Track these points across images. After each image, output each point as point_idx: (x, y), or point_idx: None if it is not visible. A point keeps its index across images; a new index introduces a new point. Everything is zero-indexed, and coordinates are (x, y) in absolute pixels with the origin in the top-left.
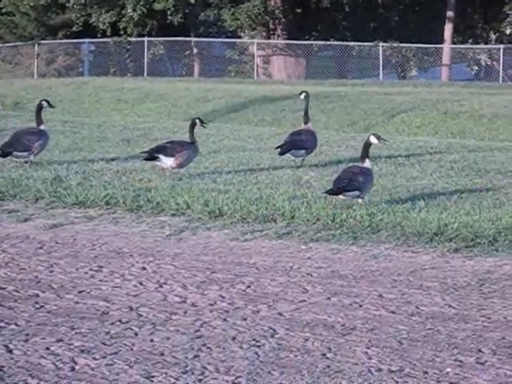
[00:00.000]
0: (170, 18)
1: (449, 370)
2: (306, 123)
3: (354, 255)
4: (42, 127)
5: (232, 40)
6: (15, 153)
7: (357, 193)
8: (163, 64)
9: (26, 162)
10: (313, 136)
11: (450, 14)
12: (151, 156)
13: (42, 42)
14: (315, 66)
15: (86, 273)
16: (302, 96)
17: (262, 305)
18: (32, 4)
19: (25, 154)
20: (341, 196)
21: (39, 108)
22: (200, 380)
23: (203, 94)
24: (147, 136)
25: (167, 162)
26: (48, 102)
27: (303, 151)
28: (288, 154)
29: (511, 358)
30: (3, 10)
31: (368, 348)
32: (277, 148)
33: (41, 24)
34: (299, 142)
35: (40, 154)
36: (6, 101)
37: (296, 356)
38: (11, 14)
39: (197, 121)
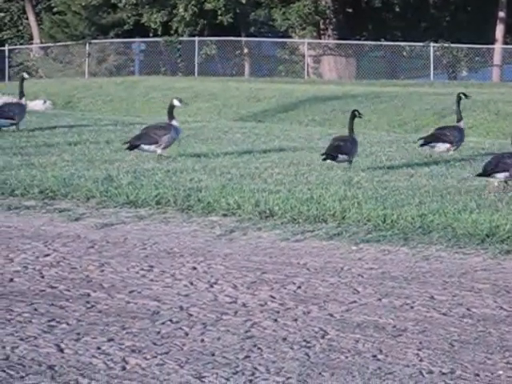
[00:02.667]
0: (220, 17)
1: (500, 372)
2: (458, 121)
3: (405, 256)
4: (173, 122)
5: (282, 40)
6: (142, 146)
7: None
8: (214, 63)
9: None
10: (457, 131)
11: (501, 14)
12: (132, 146)
13: (93, 41)
14: (366, 66)
15: (137, 272)
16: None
17: (313, 306)
18: (83, 3)
19: (152, 147)
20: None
21: (171, 106)
22: (250, 381)
23: (253, 94)
24: (198, 135)
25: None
26: (180, 100)
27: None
28: (427, 147)
29: None
30: (55, 10)
31: (419, 350)
32: (420, 140)
33: (92, 23)
34: (443, 137)
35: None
36: (57, 100)
37: (347, 357)
38: (63, 13)
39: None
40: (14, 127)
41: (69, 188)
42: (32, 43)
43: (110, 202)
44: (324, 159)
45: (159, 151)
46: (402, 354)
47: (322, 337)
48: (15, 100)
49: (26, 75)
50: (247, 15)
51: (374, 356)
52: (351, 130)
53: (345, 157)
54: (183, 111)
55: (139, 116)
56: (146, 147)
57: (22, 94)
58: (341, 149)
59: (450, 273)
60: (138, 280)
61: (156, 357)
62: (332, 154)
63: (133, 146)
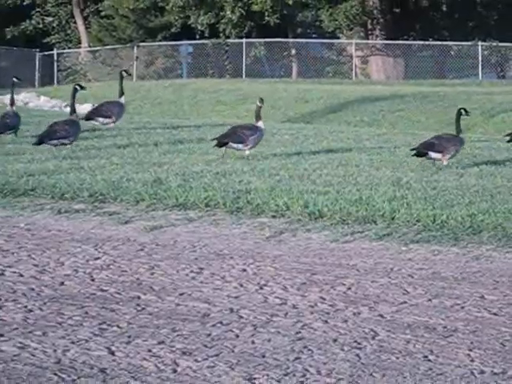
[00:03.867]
0: (267, 18)
1: None
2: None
3: (455, 256)
4: (258, 123)
5: (330, 41)
6: (230, 143)
7: None
8: (261, 65)
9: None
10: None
11: None
12: (221, 143)
13: (141, 44)
14: (414, 66)
15: (187, 275)
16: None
17: (363, 307)
18: (131, 7)
19: (240, 145)
20: None
21: (259, 108)
22: (302, 382)
23: (301, 95)
24: None
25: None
26: (261, 100)
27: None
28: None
29: None
30: (103, 13)
31: (470, 350)
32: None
33: (140, 26)
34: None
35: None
36: None
37: (397, 358)
38: (111, 16)
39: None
40: (112, 125)
41: (118, 191)
42: (80, 47)
43: (159, 204)
44: (414, 155)
45: (247, 151)
46: (453, 355)
47: (373, 338)
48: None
49: (125, 73)
50: (294, 16)
51: (425, 357)
52: (458, 128)
53: (437, 155)
54: (231, 113)
55: (187, 118)
56: (234, 145)
57: (121, 93)
58: (434, 147)
59: (500, 272)
60: (188, 282)
61: (207, 359)
62: (422, 151)
63: (221, 143)
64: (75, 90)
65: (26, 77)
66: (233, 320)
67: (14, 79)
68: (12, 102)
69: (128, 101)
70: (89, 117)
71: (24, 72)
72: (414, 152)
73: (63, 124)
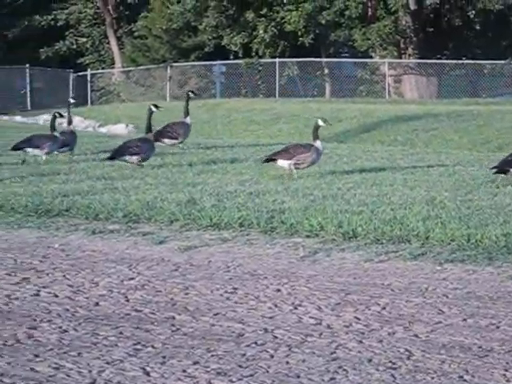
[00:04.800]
0: (301, 39)
1: None
2: None
3: (490, 276)
4: (316, 143)
5: (363, 60)
6: (279, 160)
7: None
8: (294, 85)
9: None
10: None
11: None
12: (269, 159)
13: (175, 64)
14: (447, 84)
15: (221, 295)
16: None
17: (398, 326)
18: (164, 27)
19: (287, 162)
20: None
21: (316, 126)
22: None
23: (335, 114)
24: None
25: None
26: (325, 120)
27: None
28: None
29: None
30: (136, 34)
31: (506, 370)
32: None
33: (173, 47)
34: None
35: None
36: (139, 123)
37: (433, 378)
38: (144, 37)
39: (320, 122)
40: (180, 145)
41: (152, 211)
42: (114, 67)
43: (193, 224)
44: (495, 172)
45: (294, 170)
46: (488, 375)
47: (408, 358)
48: (179, 120)
49: (191, 94)
50: (327, 36)
51: (461, 377)
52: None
53: None
54: (264, 133)
55: (221, 138)
56: (280, 162)
57: (186, 113)
58: None
59: None
60: (223, 302)
61: (242, 379)
62: (504, 168)
63: (269, 159)
64: (150, 111)
65: (60, 97)
66: (267, 340)
67: (71, 99)
68: (69, 122)
69: (162, 121)
70: (156, 139)
71: (58, 92)
72: (495, 170)
73: (136, 141)
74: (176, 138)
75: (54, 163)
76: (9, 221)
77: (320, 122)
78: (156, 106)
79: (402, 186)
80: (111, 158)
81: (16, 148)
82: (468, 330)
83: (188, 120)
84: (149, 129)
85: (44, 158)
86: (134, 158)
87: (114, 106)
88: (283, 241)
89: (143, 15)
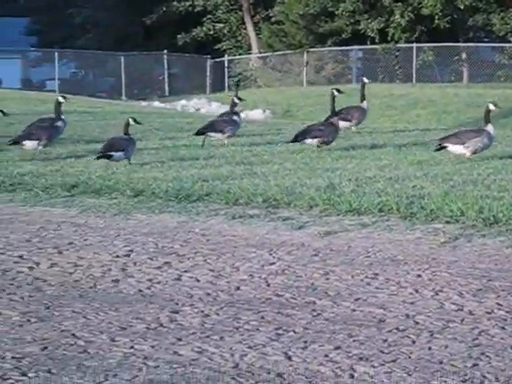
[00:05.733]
0: (437, 22)
1: None
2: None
3: None
4: (487, 127)
5: (501, 44)
6: (450, 146)
7: None
8: (431, 70)
9: None
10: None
11: None
12: (441, 147)
13: (311, 49)
14: None
15: (362, 280)
16: None
17: None
18: (301, 12)
19: (459, 147)
20: None
21: (488, 111)
22: None
23: (473, 100)
24: (418, 143)
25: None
26: (495, 104)
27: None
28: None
29: None
30: (273, 19)
31: None
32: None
33: (310, 32)
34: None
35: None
36: (276, 109)
37: None
38: (281, 22)
39: (490, 106)
40: (354, 128)
41: (292, 196)
42: (250, 53)
43: (332, 209)
44: None
45: (468, 154)
46: None
47: None
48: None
49: (365, 80)
50: (465, 21)
51: None
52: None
53: None
54: (401, 118)
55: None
56: (452, 148)
57: (363, 98)
58: None
59: None
60: (363, 288)
61: (384, 365)
62: None
63: (441, 147)
64: (333, 95)
65: (197, 83)
66: (409, 326)
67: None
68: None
69: (299, 106)
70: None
71: (195, 78)
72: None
73: (319, 125)
74: (349, 121)
75: (193, 148)
76: (150, 206)
77: (491, 106)
78: (338, 91)
79: None
80: (293, 141)
81: (200, 133)
82: None
83: (365, 104)
84: (333, 112)
85: (226, 142)
86: (315, 141)
87: (251, 92)
88: (423, 226)
89: (280, 1)
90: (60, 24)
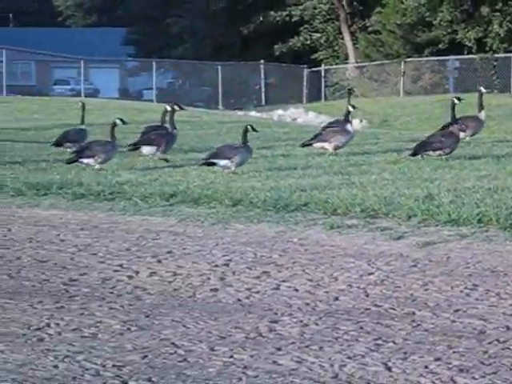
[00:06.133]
0: None
1: None
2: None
3: None
4: None
5: None
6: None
7: None
8: None
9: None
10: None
11: None
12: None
13: (408, 59)
14: None
15: (461, 291)
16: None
17: None
18: (399, 22)
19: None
20: None
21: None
22: None
23: None
24: None
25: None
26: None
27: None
28: None
29: None
30: (370, 29)
31: None
32: None
33: (407, 42)
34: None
35: None
36: (373, 118)
37: None
38: (378, 32)
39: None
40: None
41: (390, 206)
42: (347, 63)
43: (431, 220)
44: None
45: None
46: None
47: None
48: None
49: (483, 89)
50: None
51: None
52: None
53: None
54: (499, 129)
55: None
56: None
57: (481, 108)
58: None
59: None
60: (463, 299)
61: (484, 376)
62: None
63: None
64: (453, 103)
65: (294, 93)
66: (509, 338)
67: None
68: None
69: (396, 116)
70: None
71: (292, 88)
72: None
73: (439, 136)
74: (464, 131)
75: (291, 158)
76: (248, 215)
77: None
78: (459, 99)
79: None
80: (414, 155)
81: (305, 145)
82: None
83: (482, 115)
84: (453, 120)
85: (332, 151)
86: (437, 154)
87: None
88: None
89: (377, 10)
90: (157, 34)
